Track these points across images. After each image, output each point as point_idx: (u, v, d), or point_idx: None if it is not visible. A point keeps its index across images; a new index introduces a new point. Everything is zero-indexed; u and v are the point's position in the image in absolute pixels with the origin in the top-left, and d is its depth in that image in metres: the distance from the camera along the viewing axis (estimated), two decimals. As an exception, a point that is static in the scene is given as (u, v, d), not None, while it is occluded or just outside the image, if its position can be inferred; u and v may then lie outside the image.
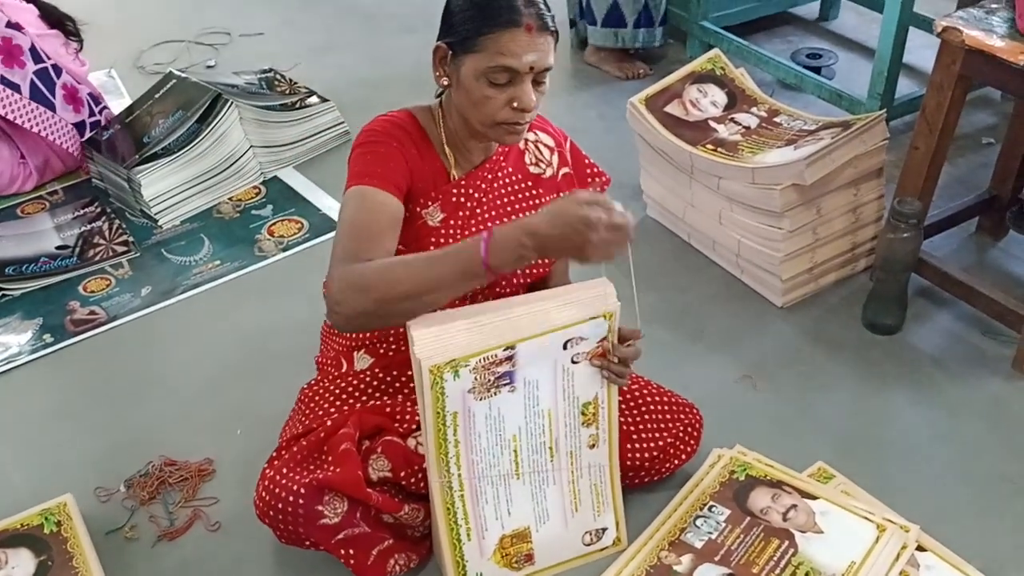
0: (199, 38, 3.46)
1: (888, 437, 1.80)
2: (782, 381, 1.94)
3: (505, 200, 1.60)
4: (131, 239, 2.44)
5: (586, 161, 1.68)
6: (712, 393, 1.87)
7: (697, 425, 1.70)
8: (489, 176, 1.58)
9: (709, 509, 1.63)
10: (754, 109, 2.22)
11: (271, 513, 1.45)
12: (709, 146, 2.11)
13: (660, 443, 1.65)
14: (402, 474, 1.50)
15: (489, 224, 1.56)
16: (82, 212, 2.54)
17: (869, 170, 2.07)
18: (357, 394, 1.61)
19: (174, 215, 2.51)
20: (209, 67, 3.26)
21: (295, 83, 2.81)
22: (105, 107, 2.76)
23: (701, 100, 2.23)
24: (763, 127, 2.16)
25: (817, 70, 2.89)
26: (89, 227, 2.48)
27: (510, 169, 1.60)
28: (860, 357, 1.99)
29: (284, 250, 2.40)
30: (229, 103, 2.54)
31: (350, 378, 1.63)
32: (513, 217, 1.58)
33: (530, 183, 1.62)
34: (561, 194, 1.52)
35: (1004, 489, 1.68)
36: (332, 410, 1.58)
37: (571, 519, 1.55)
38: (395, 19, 3.56)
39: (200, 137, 2.50)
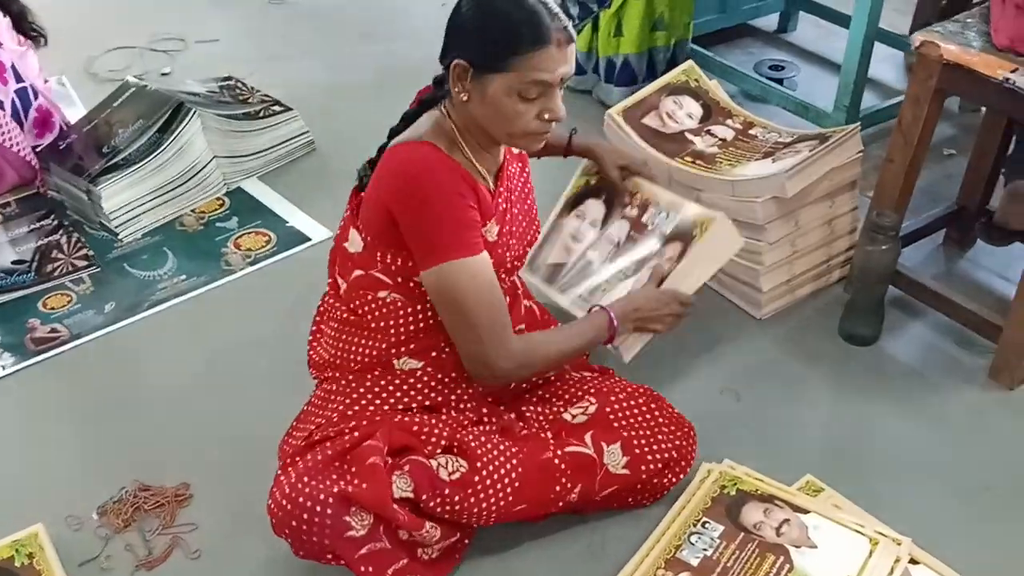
0: (152, 44, 3.38)
1: (872, 448, 1.82)
2: (764, 393, 1.94)
3: (522, 190, 1.66)
4: (91, 253, 2.36)
5: None
6: (696, 406, 1.86)
7: (693, 441, 1.70)
8: (510, 171, 1.62)
9: (703, 525, 1.62)
10: (729, 121, 2.23)
11: (293, 523, 1.40)
12: (688, 158, 2.11)
13: (665, 456, 1.64)
14: (424, 496, 1.46)
15: (521, 219, 1.65)
16: (38, 225, 2.44)
17: (843, 182, 2.09)
18: (399, 395, 1.57)
19: (135, 228, 2.43)
20: (164, 74, 3.18)
21: (257, 91, 2.74)
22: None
23: (677, 112, 2.22)
24: (739, 139, 2.17)
25: (780, 81, 2.92)
26: (46, 241, 2.39)
27: (510, 157, 1.64)
28: (839, 368, 2.00)
29: (252, 264, 2.34)
30: (192, 112, 2.47)
31: (394, 379, 1.57)
32: (528, 203, 1.68)
33: (520, 164, 1.67)
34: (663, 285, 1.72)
35: (988, 499, 1.70)
36: (371, 408, 1.55)
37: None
38: (354, 25, 3.50)
39: (162, 147, 2.43)
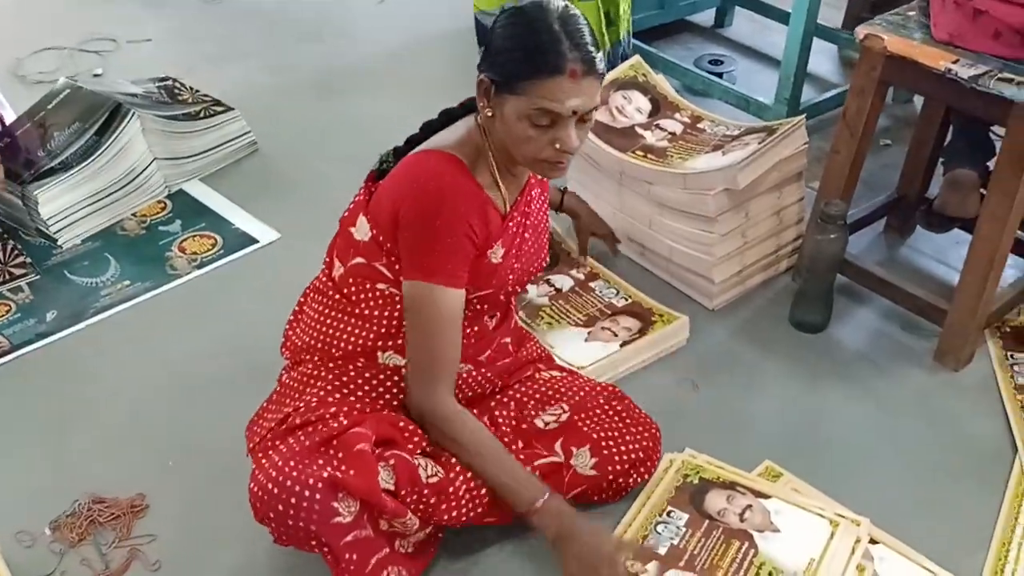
0: (82, 45, 3.28)
1: (826, 433, 1.86)
2: (720, 382, 1.97)
3: (538, 216, 1.65)
4: (29, 260, 2.28)
5: None
6: (654, 398, 1.88)
7: (657, 441, 1.71)
8: (529, 198, 1.60)
9: (668, 515, 1.64)
10: (677, 115, 2.25)
11: (279, 507, 1.35)
12: (639, 152, 2.12)
13: (632, 456, 1.65)
14: (403, 492, 1.44)
15: (531, 243, 1.62)
16: (-31, 233, 2.36)
17: (791, 173, 2.13)
18: (380, 389, 1.55)
19: (75, 234, 2.36)
20: (96, 75, 3.09)
21: (197, 91, 2.68)
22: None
23: (626, 107, 2.24)
24: (688, 133, 2.20)
25: (719, 76, 2.97)
26: (-20, 249, 2.30)
27: (534, 181, 1.62)
28: (791, 356, 2.04)
29: (198, 267, 2.29)
30: (131, 113, 2.40)
31: (377, 372, 1.54)
32: (540, 229, 1.66)
33: (540, 188, 1.66)
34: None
35: (941, 477, 1.75)
36: (352, 398, 1.52)
37: None
38: (296, 26, 3.45)
39: (100, 150, 2.36)
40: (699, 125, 2.22)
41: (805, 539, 1.58)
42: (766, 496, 1.66)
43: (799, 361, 2.02)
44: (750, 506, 1.64)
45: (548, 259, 1.73)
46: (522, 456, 1.57)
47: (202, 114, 2.58)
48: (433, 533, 1.56)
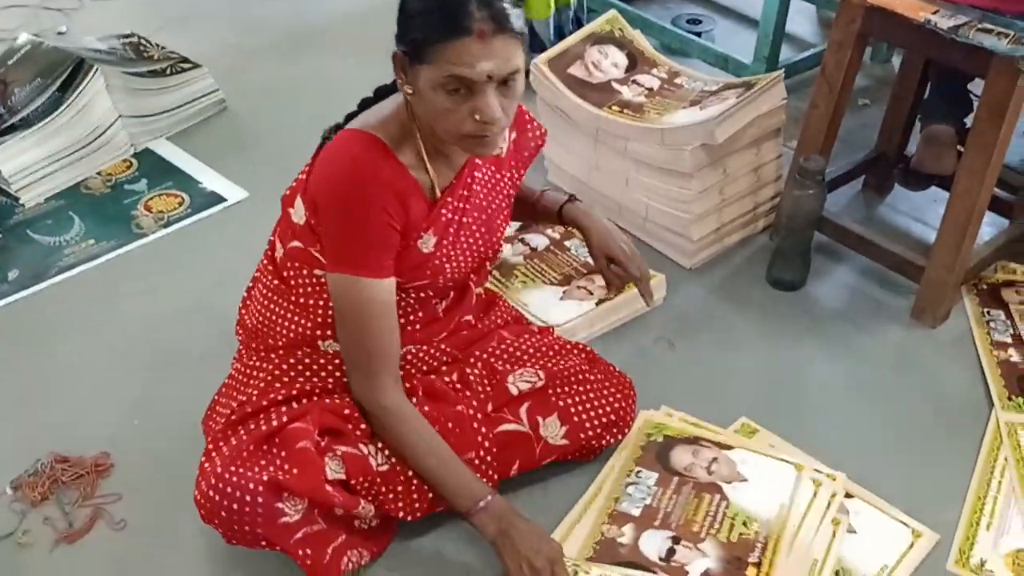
0: (46, 3, 3.19)
1: (804, 389, 1.84)
2: (698, 341, 1.95)
3: (484, 200, 1.52)
4: (-10, 219, 2.22)
5: (526, 116, 1.61)
6: (630, 356, 1.86)
7: (632, 400, 1.68)
8: (469, 180, 1.49)
9: (637, 475, 1.62)
10: (655, 71, 2.21)
11: (223, 513, 1.33)
12: (615, 108, 2.09)
13: (604, 420, 1.62)
14: (352, 482, 1.41)
15: (475, 229, 1.51)
16: (-72, 192, 2.29)
17: (769, 129, 2.10)
18: (323, 374, 1.49)
19: (38, 192, 2.31)
20: (60, 33, 3.00)
21: (164, 48, 2.61)
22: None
23: (602, 62, 2.20)
24: (665, 88, 2.16)
25: (698, 35, 2.92)
26: (-61, 208, 2.24)
27: (479, 162, 1.51)
28: (768, 314, 2.02)
29: (165, 226, 2.24)
30: (94, 69, 2.34)
31: (319, 358, 1.49)
32: (490, 213, 1.52)
33: (493, 168, 1.55)
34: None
35: (917, 433, 1.74)
36: (296, 387, 1.47)
37: None
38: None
39: (63, 107, 2.30)
40: (677, 80, 2.18)
41: (773, 486, 1.58)
42: (729, 447, 1.65)
43: (776, 319, 2.00)
44: (716, 459, 1.63)
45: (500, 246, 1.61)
46: (482, 433, 1.52)
47: (169, 71, 2.52)
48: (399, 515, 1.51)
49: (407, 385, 1.50)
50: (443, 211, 1.44)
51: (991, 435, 1.70)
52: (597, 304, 1.91)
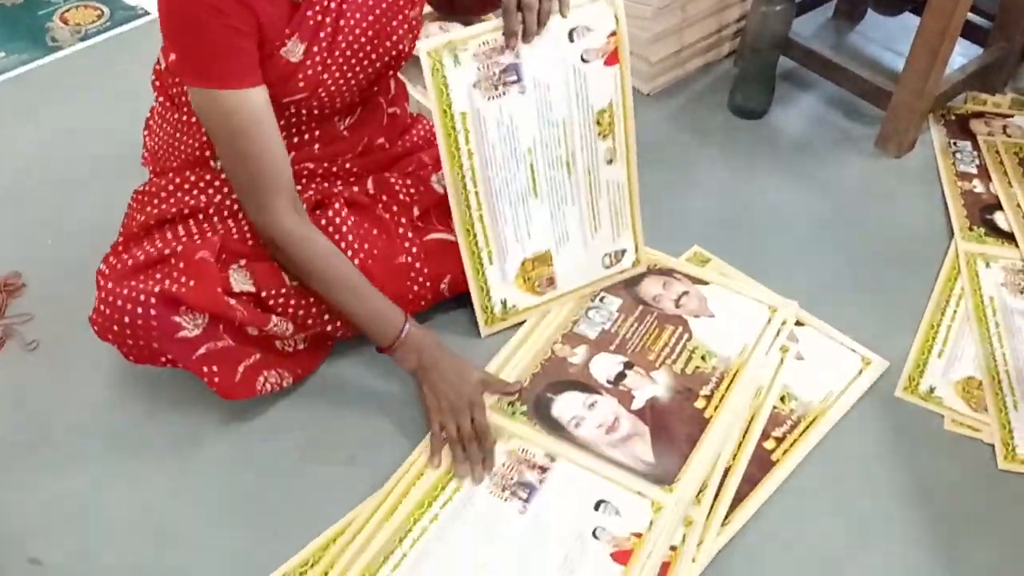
0: None
1: (761, 219, 1.76)
2: (653, 168, 1.82)
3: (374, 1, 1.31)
4: None
5: None
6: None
7: None
8: None
9: (600, 300, 1.55)
10: None
11: (115, 328, 1.23)
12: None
13: None
14: (263, 295, 1.31)
15: (359, 35, 1.28)
16: None
17: (736, -57, 1.95)
18: (222, 195, 1.36)
19: (-61, -1, 2.11)
20: None
21: None
22: None
23: None
24: None
25: None
26: None
27: None
28: (729, 142, 1.92)
29: (82, 40, 2.07)
30: None
31: (215, 178, 1.36)
32: (379, 13, 1.29)
33: None
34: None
35: (874, 262, 1.67)
36: (190, 207, 1.34)
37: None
38: None
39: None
40: None
41: (740, 325, 1.52)
42: (704, 283, 1.58)
43: (736, 148, 1.91)
44: (687, 292, 1.57)
45: (409, 47, 1.37)
46: (409, 238, 1.43)
47: None
48: (324, 331, 1.43)
49: (318, 198, 1.39)
50: (308, 13, 1.24)
51: (949, 265, 1.64)
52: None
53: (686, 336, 1.50)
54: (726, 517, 1.28)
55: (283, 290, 1.32)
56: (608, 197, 1.50)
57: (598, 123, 1.42)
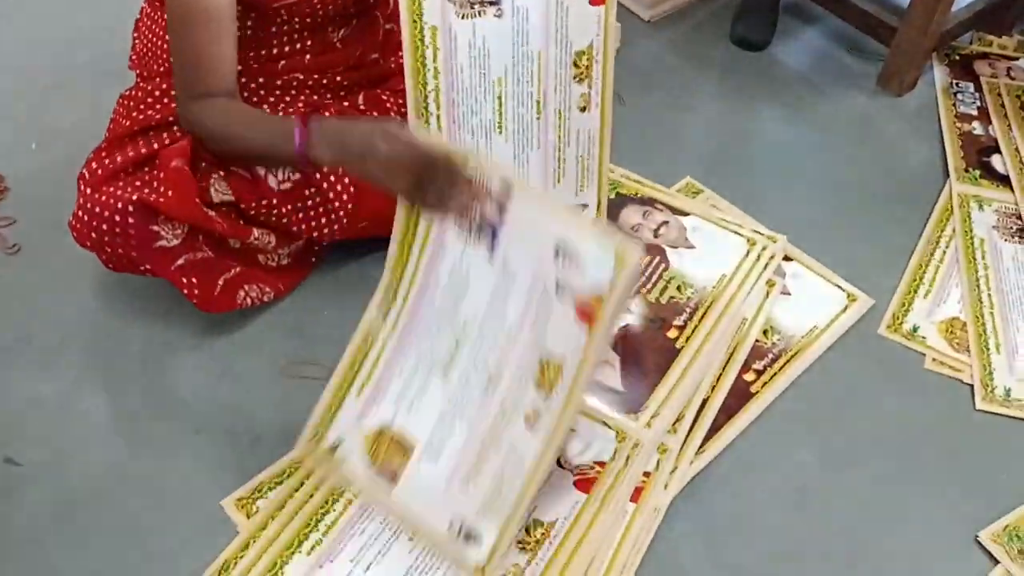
0: None
1: (756, 153, 1.74)
2: (650, 97, 1.82)
3: None
4: None
5: None
6: (576, 108, 1.73)
7: None
8: None
9: (577, 226, 1.53)
10: None
11: (93, 235, 1.22)
12: None
13: None
14: (243, 206, 1.29)
15: None
16: None
17: None
18: None
19: None
20: None
21: None
22: None
23: None
24: None
25: None
26: None
27: None
28: (728, 74, 1.89)
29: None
30: None
31: None
32: None
33: None
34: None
35: (867, 200, 1.65)
36: (174, 105, 1.28)
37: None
38: None
39: None
40: None
41: (719, 256, 1.51)
42: (684, 213, 1.57)
43: (735, 79, 1.87)
44: (666, 222, 1.55)
45: None
46: None
47: None
48: (308, 246, 1.42)
49: (307, 110, 1.35)
50: None
51: (942, 206, 1.62)
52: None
53: (663, 266, 1.49)
54: (701, 446, 1.28)
55: (264, 201, 1.30)
56: (577, 147, 1.37)
57: (575, 64, 1.29)
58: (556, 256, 1.02)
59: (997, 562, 1.19)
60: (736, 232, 1.54)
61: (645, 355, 1.37)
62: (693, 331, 1.40)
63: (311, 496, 1.21)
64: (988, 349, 1.40)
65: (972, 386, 1.37)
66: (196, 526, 1.18)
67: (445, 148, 1.06)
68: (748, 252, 1.51)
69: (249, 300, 1.36)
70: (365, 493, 1.20)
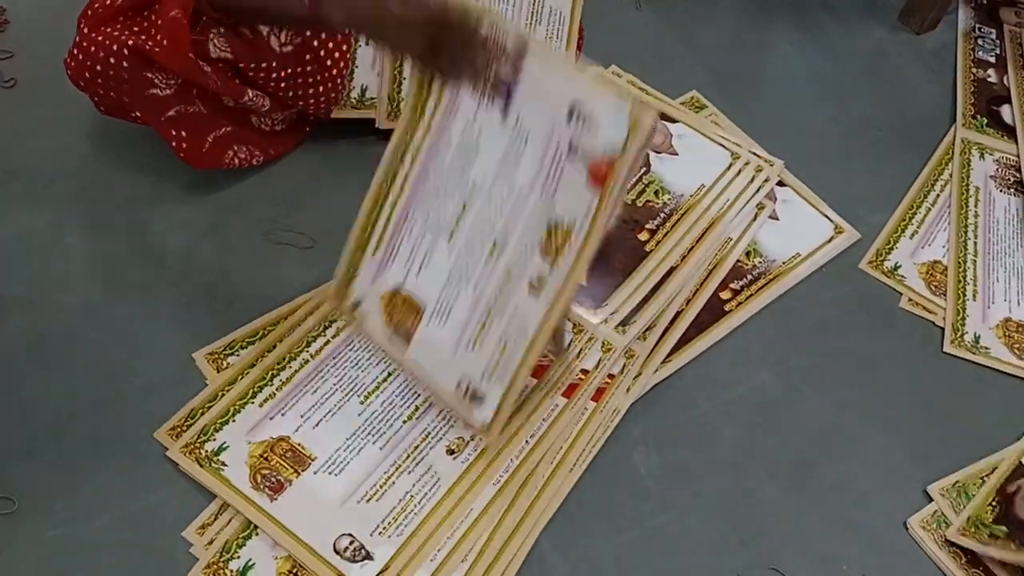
0: None
1: (765, 74, 1.72)
2: (666, 6, 1.79)
3: None
4: None
5: None
6: (590, 10, 1.69)
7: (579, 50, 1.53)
8: None
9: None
10: None
11: (87, 75, 1.21)
12: None
13: None
14: (241, 66, 1.27)
15: None
16: None
17: None
18: None
19: None
20: None
21: None
22: None
23: None
24: None
25: None
26: None
27: None
28: (749, -9, 1.85)
29: None
30: None
31: None
32: None
33: None
34: None
35: (869, 135, 1.64)
36: None
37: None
38: None
39: None
40: None
41: (701, 166, 1.51)
42: (673, 120, 1.56)
43: (756, -2, 1.84)
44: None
45: None
46: None
47: None
48: (302, 115, 1.40)
49: None
50: None
51: (943, 150, 1.61)
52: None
53: (643, 169, 1.49)
54: (668, 356, 1.30)
55: (263, 64, 1.29)
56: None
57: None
58: (570, 117, 0.98)
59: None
60: (722, 145, 1.53)
61: (614, 254, 1.38)
62: (664, 236, 1.41)
63: (270, 350, 1.23)
64: (964, 295, 1.42)
65: (943, 329, 1.38)
66: (165, 374, 1.20)
67: (460, 4, 0.99)
68: (731, 165, 1.51)
69: (237, 160, 1.35)
70: (386, 351, 1.24)
